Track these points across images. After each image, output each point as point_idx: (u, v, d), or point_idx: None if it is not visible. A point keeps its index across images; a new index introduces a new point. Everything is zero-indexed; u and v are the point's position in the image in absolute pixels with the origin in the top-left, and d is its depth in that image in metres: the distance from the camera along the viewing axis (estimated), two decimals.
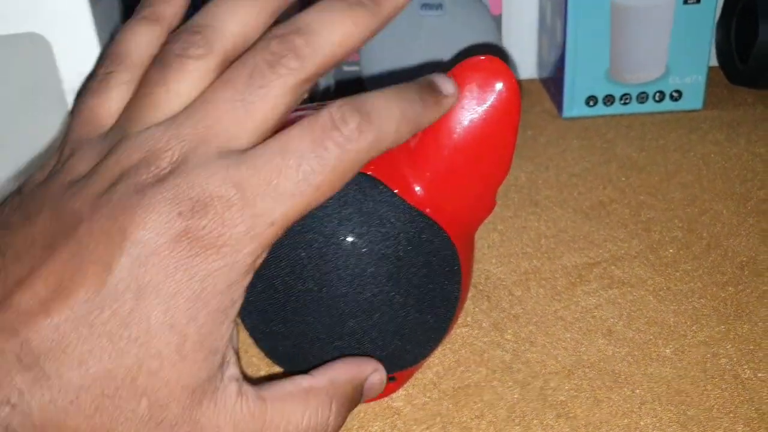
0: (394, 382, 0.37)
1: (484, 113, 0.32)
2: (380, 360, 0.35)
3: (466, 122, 0.32)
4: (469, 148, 0.32)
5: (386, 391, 0.38)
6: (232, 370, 0.28)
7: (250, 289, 0.34)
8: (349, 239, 0.32)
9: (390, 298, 0.33)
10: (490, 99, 0.31)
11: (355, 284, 0.33)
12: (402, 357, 0.35)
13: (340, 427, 0.32)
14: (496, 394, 0.38)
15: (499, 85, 0.31)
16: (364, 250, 0.32)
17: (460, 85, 0.32)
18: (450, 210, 0.34)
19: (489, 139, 0.32)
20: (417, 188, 0.33)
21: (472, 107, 0.32)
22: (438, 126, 0.32)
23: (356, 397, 0.33)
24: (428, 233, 0.33)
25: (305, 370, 0.35)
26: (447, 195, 0.33)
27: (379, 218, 0.32)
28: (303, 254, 0.33)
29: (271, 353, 0.35)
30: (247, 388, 0.28)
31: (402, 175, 0.33)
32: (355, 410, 0.37)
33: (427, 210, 0.33)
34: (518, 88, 0.32)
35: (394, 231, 0.33)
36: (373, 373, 0.34)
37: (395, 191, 0.33)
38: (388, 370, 0.35)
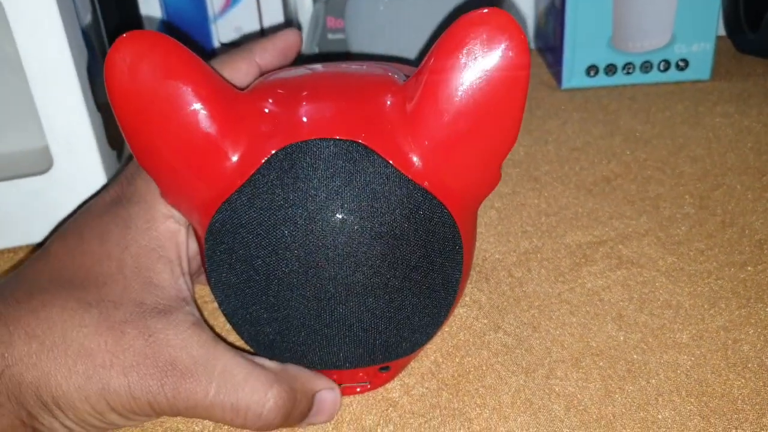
0: (387, 372, 0.34)
1: (489, 74, 0.27)
2: (373, 348, 0.31)
3: (468, 84, 0.28)
4: (472, 113, 0.28)
5: (380, 382, 0.34)
6: (191, 309, 0.31)
7: (228, 270, 0.30)
8: (338, 215, 0.29)
9: (384, 281, 0.29)
10: (496, 58, 0.27)
11: (345, 265, 0.29)
12: (397, 345, 0.31)
13: (275, 420, 0.30)
14: (499, 377, 0.35)
15: (505, 42, 0.27)
16: (354, 227, 0.29)
17: (462, 42, 0.28)
18: (451, 183, 0.30)
19: (494, 103, 0.28)
20: (414, 159, 0.29)
21: (476, 67, 0.27)
22: (437, 89, 0.28)
23: (302, 402, 0.31)
24: (427, 209, 0.29)
25: (287, 359, 0.32)
26: (447, 166, 0.29)
27: (371, 192, 0.29)
28: (286, 232, 0.29)
29: (253, 341, 0.31)
30: (205, 327, 0.31)
31: (397, 143, 0.29)
32: (347, 401, 0.34)
33: (426, 183, 0.29)
34: (527, 44, 0.28)
35: (388, 206, 0.29)
36: (326, 389, 0.32)
37: (390, 162, 0.29)
38: (382, 359, 0.32)
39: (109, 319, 0.29)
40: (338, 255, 0.29)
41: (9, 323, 0.29)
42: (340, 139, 0.29)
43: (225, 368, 0.30)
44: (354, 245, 0.29)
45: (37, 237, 0.45)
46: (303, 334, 0.31)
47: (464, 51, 0.27)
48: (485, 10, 0.27)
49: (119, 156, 0.49)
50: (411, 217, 0.29)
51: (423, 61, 0.29)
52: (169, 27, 0.62)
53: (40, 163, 0.46)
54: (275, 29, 0.61)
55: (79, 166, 0.44)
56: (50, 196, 0.44)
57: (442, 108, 0.28)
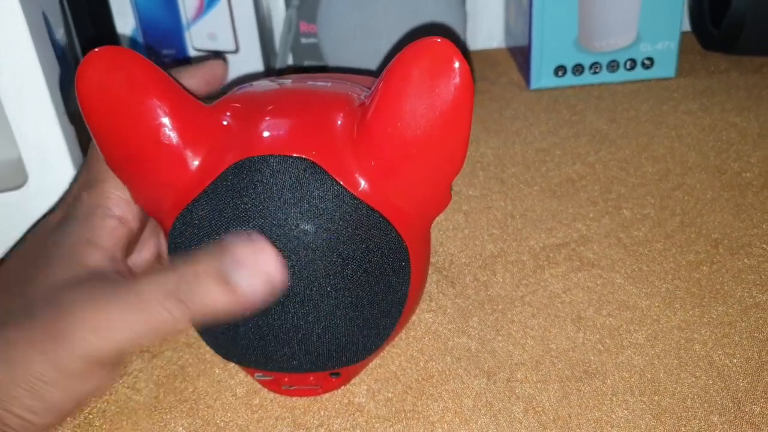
0: (338, 377, 0.35)
1: (435, 101, 0.29)
2: (320, 355, 0.33)
3: (413, 111, 0.29)
4: (417, 138, 0.29)
5: (331, 387, 0.36)
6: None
7: None
8: (284, 230, 0.30)
9: (326, 293, 0.31)
10: (441, 86, 0.28)
11: (290, 277, 0.30)
12: (342, 354, 0.33)
13: (163, 287, 0.29)
14: (462, 381, 0.36)
15: (450, 72, 0.28)
16: (299, 242, 0.30)
17: (409, 70, 0.29)
18: (398, 203, 0.31)
19: (439, 129, 0.29)
20: (361, 179, 0.30)
21: (421, 94, 0.29)
22: (384, 113, 0.29)
23: (189, 271, 0.29)
24: (371, 226, 0.31)
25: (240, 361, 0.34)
26: (393, 187, 0.31)
27: (317, 208, 0.30)
28: None
29: (208, 342, 0.33)
30: (114, 283, 0.30)
31: (346, 163, 0.30)
32: (316, 407, 0.35)
33: (372, 202, 0.30)
34: (471, 74, 0.29)
35: (332, 223, 0.30)
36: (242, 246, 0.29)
37: (337, 180, 0.30)
38: (330, 365, 0.33)
39: (27, 305, 0.30)
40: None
41: None
42: (291, 156, 0.30)
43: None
44: (296, 260, 0.30)
45: None
46: (254, 338, 0.32)
47: (411, 79, 0.29)
48: (436, 39, 0.28)
49: None
50: (355, 234, 0.31)
51: (374, 86, 0.30)
52: (137, 41, 0.62)
53: (15, 177, 0.46)
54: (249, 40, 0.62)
55: (54, 180, 0.45)
56: (26, 209, 0.45)
57: (387, 132, 0.29)
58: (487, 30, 0.71)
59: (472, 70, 0.31)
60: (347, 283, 0.31)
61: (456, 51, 0.28)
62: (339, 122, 0.31)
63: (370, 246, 0.31)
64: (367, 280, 0.31)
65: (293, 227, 0.30)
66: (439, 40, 0.28)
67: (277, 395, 0.36)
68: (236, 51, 0.62)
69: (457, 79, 0.28)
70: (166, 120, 0.30)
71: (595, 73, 0.62)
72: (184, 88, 0.32)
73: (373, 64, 0.58)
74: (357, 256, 0.31)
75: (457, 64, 0.28)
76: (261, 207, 0.30)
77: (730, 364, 0.36)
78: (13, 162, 0.48)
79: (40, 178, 0.44)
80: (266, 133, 0.31)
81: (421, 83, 0.29)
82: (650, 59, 0.62)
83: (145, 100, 0.30)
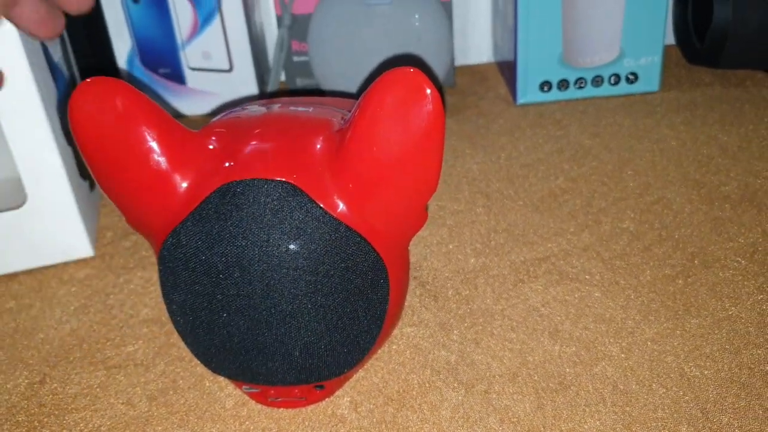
0: (322, 390, 0.37)
1: (408, 127, 0.30)
2: (303, 369, 0.34)
3: (388, 136, 0.30)
4: (391, 163, 0.31)
5: (315, 399, 0.37)
6: None
7: (174, 290, 0.33)
8: (266, 250, 0.32)
9: (308, 311, 0.33)
10: (412, 113, 0.30)
11: (272, 296, 0.32)
12: (325, 368, 0.34)
13: None
14: (440, 394, 0.37)
15: (421, 100, 0.30)
16: (280, 262, 0.32)
17: (383, 98, 0.30)
18: (375, 224, 0.33)
19: (412, 154, 0.31)
20: (340, 201, 0.32)
21: (396, 121, 0.30)
22: (359, 139, 0.31)
23: None
24: (350, 247, 0.32)
25: (226, 374, 0.35)
26: (371, 209, 0.32)
27: (297, 230, 0.32)
28: (220, 263, 0.32)
29: (197, 355, 0.35)
30: None
31: (325, 185, 0.32)
32: (300, 418, 0.37)
33: (351, 222, 0.32)
34: (441, 101, 0.31)
35: (312, 244, 0.32)
36: None
37: (317, 202, 0.32)
38: (314, 379, 0.35)
39: None
40: (265, 286, 0.32)
41: None
42: (273, 180, 0.32)
43: None
44: (279, 278, 0.32)
45: (13, 266, 0.48)
46: (240, 353, 0.34)
47: (385, 106, 0.30)
48: (409, 69, 0.30)
49: (91, 186, 0.52)
50: (334, 254, 0.32)
51: (351, 112, 0.32)
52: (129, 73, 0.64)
53: (15, 197, 0.48)
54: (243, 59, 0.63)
55: (52, 198, 0.46)
56: (25, 227, 0.47)
57: (364, 157, 0.31)
58: (476, 45, 0.73)
59: (443, 99, 0.33)
60: (328, 301, 0.33)
61: (427, 80, 0.30)
62: (319, 146, 0.33)
63: (350, 265, 0.32)
64: (347, 298, 0.33)
65: (275, 247, 0.32)
66: (411, 69, 0.30)
67: (264, 407, 0.38)
68: (230, 69, 0.64)
69: (429, 106, 0.30)
70: (154, 146, 0.32)
71: (580, 87, 0.64)
72: (170, 117, 0.33)
73: (362, 82, 0.59)
74: (337, 275, 0.32)
75: (428, 92, 0.30)
76: (245, 228, 0.32)
77: (700, 376, 0.37)
78: (12, 182, 0.50)
79: (38, 196, 0.46)
80: (250, 158, 0.32)
81: (395, 110, 0.30)
82: (634, 74, 0.63)
83: (135, 128, 0.32)
